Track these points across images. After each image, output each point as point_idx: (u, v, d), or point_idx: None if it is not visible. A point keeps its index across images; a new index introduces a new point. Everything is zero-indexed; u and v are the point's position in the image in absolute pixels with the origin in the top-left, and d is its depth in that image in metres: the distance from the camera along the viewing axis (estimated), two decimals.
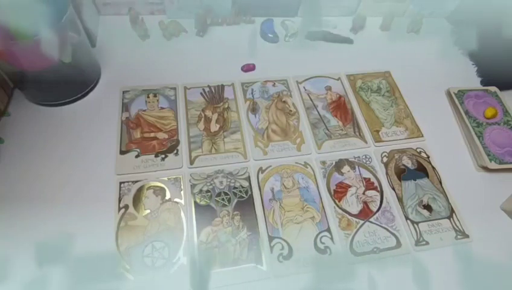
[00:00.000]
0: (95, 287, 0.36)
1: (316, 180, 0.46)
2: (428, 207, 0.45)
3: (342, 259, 0.40)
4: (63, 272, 0.37)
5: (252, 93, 0.54)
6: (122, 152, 0.46)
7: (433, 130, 0.52)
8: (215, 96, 0.53)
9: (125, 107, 0.50)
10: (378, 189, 0.46)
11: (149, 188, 0.43)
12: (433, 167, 0.48)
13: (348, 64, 0.59)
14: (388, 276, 0.40)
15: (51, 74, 0.45)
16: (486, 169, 0.48)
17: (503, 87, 0.57)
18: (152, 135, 0.48)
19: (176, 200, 0.42)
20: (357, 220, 0.43)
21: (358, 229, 0.42)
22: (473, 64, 0.62)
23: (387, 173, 0.47)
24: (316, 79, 0.57)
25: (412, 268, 0.40)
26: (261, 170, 0.46)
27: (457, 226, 0.44)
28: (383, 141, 0.50)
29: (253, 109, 0.52)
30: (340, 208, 0.44)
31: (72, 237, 0.39)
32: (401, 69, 0.59)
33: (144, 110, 0.50)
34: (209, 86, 0.53)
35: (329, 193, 0.45)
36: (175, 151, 0.46)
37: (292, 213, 0.43)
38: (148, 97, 0.51)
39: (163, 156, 0.46)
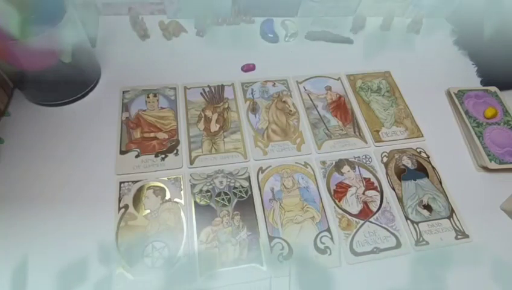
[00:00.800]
0: (94, 287, 0.36)
1: (316, 180, 0.46)
2: (428, 207, 0.45)
3: (341, 259, 0.40)
4: (61, 272, 0.37)
5: (252, 93, 0.54)
6: (122, 152, 0.46)
7: (433, 130, 0.52)
8: (215, 96, 0.53)
9: (125, 107, 0.50)
10: (378, 189, 0.46)
11: (149, 188, 0.43)
12: (433, 167, 0.48)
13: (348, 64, 0.59)
14: (387, 276, 0.40)
15: (51, 74, 0.45)
16: (486, 169, 0.48)
17: (503, 87, 0.57)
18: (152, 135, 0.48)
19: (176, 200, 0.42)
20: (357, 220, 0.43)
21: (358, 229, 0.42)
22: (473, 64, 0.62)
23: (387, 173, 0.47)
24: (316, 79, 0.57)
25: (411, 268, 0.40)
26: (261, 170, 0.46)
27: (457, 226, 0.44)
28: (383, 141, 0.50)
29: (253, 109, 0.52)
30: (340, 208, 0.44)
31: (71, 236, 0.39)
32: (401, 69, 0.59)
33: (144, 110, 0.50)
34: (209, 86, 0.53)
35: (329, 193, 0.45)
36: (175, 151, 0.46)
37: (292, 213, 0.43)
38: (148, 97, 0.51)
39: (163, 156, 0.46)
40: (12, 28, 0.39)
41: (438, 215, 0.44)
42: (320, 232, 0.42)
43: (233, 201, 0.43)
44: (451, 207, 0.45)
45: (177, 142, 0.47)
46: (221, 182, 0.44)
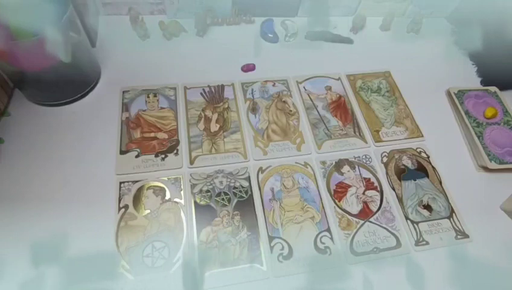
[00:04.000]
0: (95, 287, 0.36)
1: (316, 180, 0.46)
2: (428, 207, 0.45)
3: (341, 259, 0.40)
4: (62, 272, 0.37)
5: (252, 93, 0.54)
6: (122, 152, 0.46)
7: (433, 130, 0.52)
8: (215, 96, 0.53)
9: (125, 107, 0.50)
10: (378, 189, 0.46)
11: (149, 188, 0.43)
12: (433, 167, 0.48)
13: (348, 64, 0.59)
14: (387, 276, 0.40)
15: (51, 74, 0.45)
16: (486, 169, 0.48)
17: (503, 87, 0.57)
18: (152, 135, 0.48)
19: (176, 200, 0.42)
20: (357, 220, 0.43)
21: (358, 229, 0.42)
22: (473, 64, 0.62)
23: (387, 173, 0.47)
24: (316, 79, 0.57)
25: (412, 268, 0.40)
26: (261, 170, 0.46)
27: (457, 226, 0.44)
28: (383, 141, 0.50)
29: (253, 109, 0.52)
30: (340, 208, 0.44)
31: (71, 236, 0.39)
32: (401, 69, 0.59)
33: (144, 110, 0.50)
34: (209, 86, 0.53)
35: (329, 193, 0.45)
36: (175, 151, 0.46)
37: (292, 213, 0.43)
38: (148, 97, 0.51)
39: (163, 156, 0.46)
40: (12, 28, 0.39)
41: (438, 215, 0.44)
42: (320, 232, 0.42)
43: (233, 201, 0.43)
44: (451, 207, 0.45)
45: (177, 142, 0.47)
46: (221, 182, 0.44)
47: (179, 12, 0.60)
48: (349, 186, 0.46)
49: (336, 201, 0.44)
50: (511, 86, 0.58)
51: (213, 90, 0.53)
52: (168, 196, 0.43)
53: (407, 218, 0.44)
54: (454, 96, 0.55)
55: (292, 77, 0.56)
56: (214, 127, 0.49)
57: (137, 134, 0.47)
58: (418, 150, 0.50)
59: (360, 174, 0.47)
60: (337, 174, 0.47)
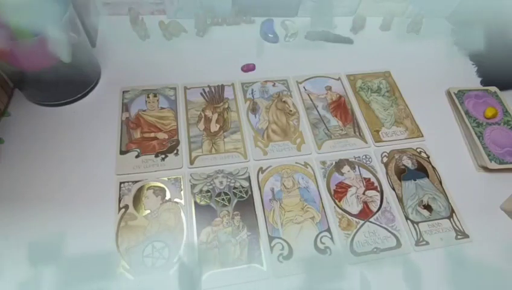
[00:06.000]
0: (95, 287, 0.36)
1: (316, 180, 0.46)
2: (428, 207, 0.45)
3: (342, 259, 0.40)
4: (61, 272, 0.37)
5: (252, 93, 0.54)
6: (122, 152, 0.46)
7: (433, 130, 0.52)
8: (215, 96, 0.53)
9: (125, 107, 0.50)
10: (378, 189, 0.46)
11: (149, 188, 0.43)
12: (433, 167, 0.48)
13: (348, 64, 0.59)
14: (387, 276, 0.40)
15: (51, 74, 0.45)
16: (486, 169, 0.48)
17: (503, 87, 0.57)
18: (152, 135, 0.48)
19: (176, 200, 0.42)
20: (357, 220, 0.43)
21: (358, 229, 0.42)
22: (473, 64, 0.62)
23: (387, 173, 0.47)
24: (316, 79, 0.57)
25: (412, 268, 0.40)
26: (261, 170, 0.46)
27: (457, 226, 0.44)
28: (383, 141, 0.50)
29: (253, 109, 0.52)
30: (340, 208, 0.44)
31: (70, 236, 0.39)
32: (401, 69, 0.59)
33: (144, 110, 0.50)
34: (209, 86, 0.53)
35: (329, 193, 0.45)
36: (175, 152, 0.46)
37: (292, 213, 0.43)
38: (148, 97, 0.51)
39: (163, 156, 0.46)
40: (12, 28, 0.39)
41: (438, 215, 0.44)
42: (320, 233, 0.42)
43: (233, 201, 0.43)
44: (451, 207, 0.45)
45: (177, 142, 0.47)
46: (221, 182, 0.44)
47: (179, 12, 0.60)
48: (349, 186, 0.46)
49: (336, 201, 0.44)
50: (511, 86, 0.58)
51: (213, 90, 0.53)
52: (168, 196, 0.43)
53: (407, 218, 0.44)
54: (454, 96, 0.55)
55: (292, 77, 0.56)
56: (214, 127, 0.49)
57: (137, 134, 0.47)
58: (418, 150, 0.50)
59: (360, 174, 0.47)
60: (337, 174, 0.47)
